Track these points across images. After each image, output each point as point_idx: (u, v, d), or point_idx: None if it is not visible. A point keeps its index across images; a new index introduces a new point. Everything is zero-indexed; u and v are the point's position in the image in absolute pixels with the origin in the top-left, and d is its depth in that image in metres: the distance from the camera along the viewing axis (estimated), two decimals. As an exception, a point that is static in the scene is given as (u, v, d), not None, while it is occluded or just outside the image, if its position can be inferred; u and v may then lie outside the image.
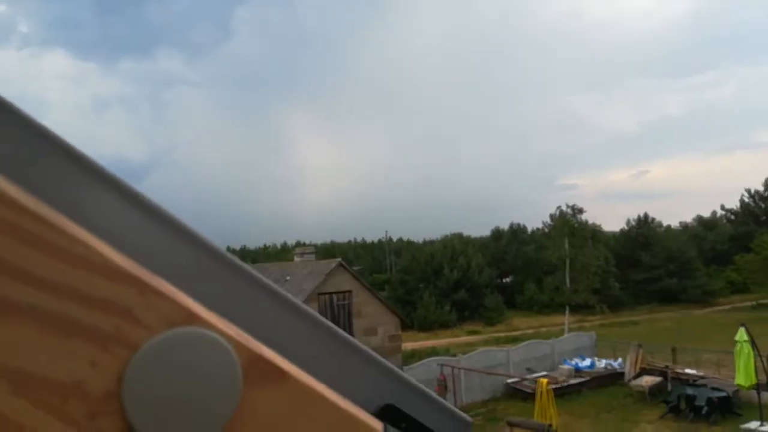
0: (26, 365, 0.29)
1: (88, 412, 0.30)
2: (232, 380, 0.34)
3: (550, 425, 11.60)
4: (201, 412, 0.33)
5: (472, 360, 18.96)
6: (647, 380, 17.59)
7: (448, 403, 0.46)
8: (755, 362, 12.59)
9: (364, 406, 0.40)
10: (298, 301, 0.40)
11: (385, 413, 0.41)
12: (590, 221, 32.31)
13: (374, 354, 0.42)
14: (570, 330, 26.70)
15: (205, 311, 0.34)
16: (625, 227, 52.27)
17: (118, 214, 0.34)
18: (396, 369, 0.43)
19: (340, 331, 0.42)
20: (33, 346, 0.29)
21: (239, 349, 0.34)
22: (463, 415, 0.46)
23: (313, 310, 0.41)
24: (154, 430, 0.31)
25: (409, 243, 64.76)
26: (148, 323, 0.32)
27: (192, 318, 0.33)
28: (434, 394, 0.45)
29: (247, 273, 0.38)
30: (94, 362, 0.30)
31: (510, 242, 53.83)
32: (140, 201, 0.35)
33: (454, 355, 20.14)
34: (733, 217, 56.57)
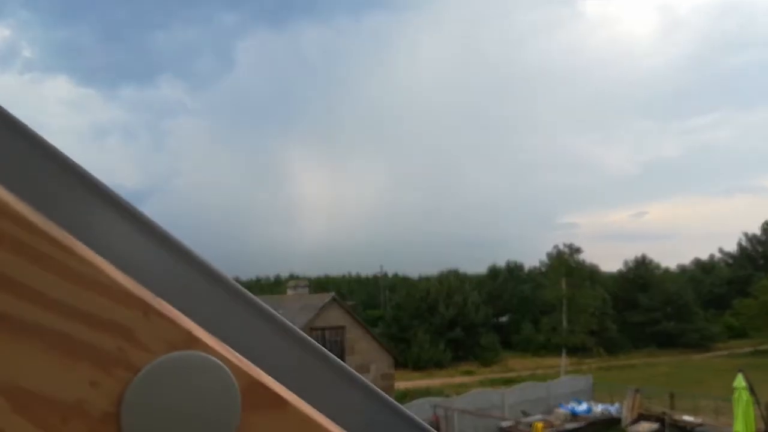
0: (27, 383, 0.29)
1: None
2: (231, 405, 0.33)
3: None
4: None
5: (466, 401, 18.58)
6: (645, 426, 17.29)
7: None
8: (754, 410, 12.33)
9: None
10: (298, 329, 0.41)
11: None
12: (588, 261, 32.23)
13: (374, 387, 0.43)
14: (566, 372, 26.31)
15: (206, 335, 0.34)
16: (623, 268, 52.12)
17: (124, 235, 0.35)
18: (397, 404, 0.42)
19: (340, 361, 0.42)
20: (35, 365, 0.29)
21: (239, 374, 0.34)
22: None
23: (310, 338, 0.41)
24: None
25: (405, 278, 64.40)
26: (150, 345, 0.32)
27: (193, 341, 0.33)
28: (431, 428, 0.44)
29: (249, 299, 0.38)
30: (95, 383, 0.30)
31: (507, 280, 53.60)
32: (146, 223, 0.36)
33: (448, 396, 19.73)
34: (731, 261, 56.52)
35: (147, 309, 0.32)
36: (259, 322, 0.39)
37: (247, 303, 0.38)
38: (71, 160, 0.33)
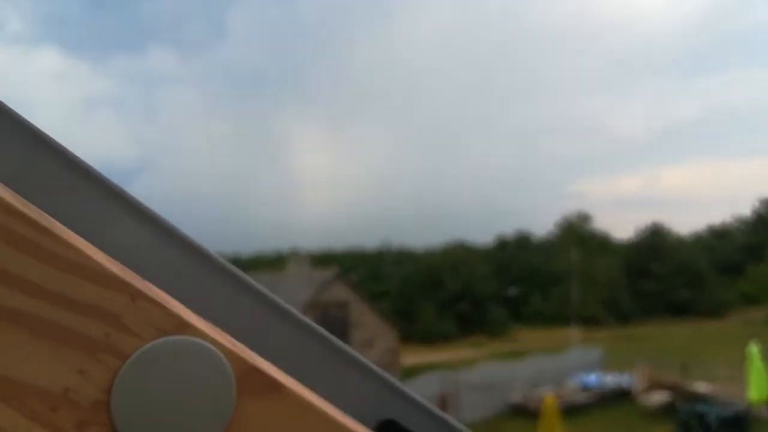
0: (12, 372, 0.28)
1: (77, 421, 0.30)
2: (226, 391, 0.32)
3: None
4: (193, 423, 0.32)
5: (474, 375, 18.47)
6: (656, 397, 17.24)
7: (453, 419, 0.43)
8: (768, 378, 12.08)
9: (363, 421, 0.38)
10: (294, 310, 0.39)
11: (386, 429, 0.40)
12: (599, 229, 31.62)
13: (374, 366, 0.40)
14: (577, 344, 26.00)
15: (198, 319, 0.33)
16: (635, 236, 51.56)
17: (110, 218, 0.34)
18: (397, 382, 0.41)
19: (338, 341, 0.40)
20: (20, 353, 0.28)
21: (233, 359, 0.33)
22: (467, 430, 0.43)
23: (310, 320, 0.39)
24: None
25: (410, 252, 64.26)
26: (139, 331, 0.31)
27: (184, 326, 0.32)
28: (437, 410, 0.43)
29: (242, 280, 0.37)
30: (83, 370, 0.30)
31: (515, 251, 53.20)
32: (132, 205, 0.34)
33: (456, 370, 19.52)
34: (745, 226, 55.71)
35: (135, 294, 0.31)
36: (254, 304, 0.37)
37: (240, 285, 0.37)
38: (53, 138, 0.32)
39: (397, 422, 0.40)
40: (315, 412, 0.35)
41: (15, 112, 0.31)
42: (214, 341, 0.32)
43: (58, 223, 0.30)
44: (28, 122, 0.31)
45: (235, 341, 0.34)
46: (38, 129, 0.32)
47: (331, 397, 0.37)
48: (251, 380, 0.33)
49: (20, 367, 0.28)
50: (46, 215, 0.30)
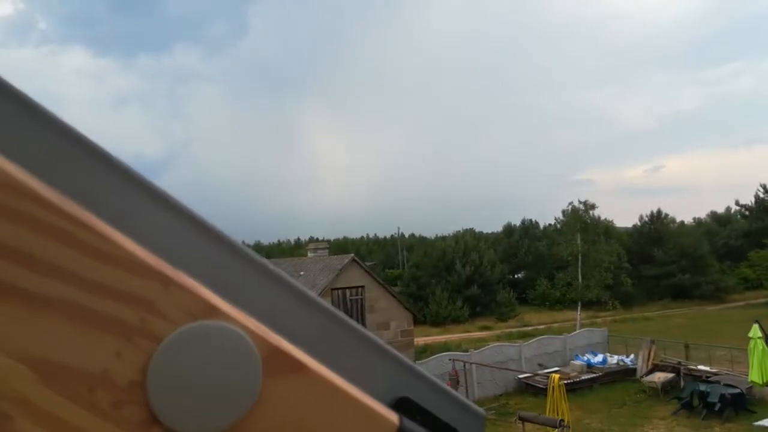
0: (53, 356, 0.30)
1: (114, 401, 0.31)
2: (253, 372, 0.34)
3: (562, 420, 11.69)
4: (222, 402, 0.33)
5: (483, 355, 19.07)
6: (660, 376, 17.63)
7: (463, 397, 0.47)
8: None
9: (379, 399, 0.40)
10: (314, 294, 0.41)
11: (401, 406, 0.41)
12: (603, 217, 32.13)
13: (389, 347, 0.43)
14: (582, 326, 26.69)
15: (225, 304, 0.35)
16: (638, 223, 52.04)
17: (141, 209, 0.35)
18: (411, 362, 0.44)
19: (356, 324, 0.42)
20: (60, 338, 0.30)
21: (259, 341, 0.35)
22: (478, 408, 0.46)
23: (328, 304, 0.41)
24: (176, 419, 0.32)
25: (422, 239, 64.87)
26: (171, 316, 0.33)
27: (213, 311, 0.34)
28: (449, 388, 0.46)
29: (265, 267, 0.39)
30: (120, 353, 0.31)
31: (522, 238, 53.74)
32: (161, 197, 0.36)
33: (466, 350, 20.24)
34: (747, 212, 56.06)
35: (166, 281, 0.33)
36: (277, 289, 0.39)
37: (264, 271, 0.38)
38: (84, 135, 0.34)
39: (412, 399, 0.42)
40: (336, 390, 0.37)
41: (43, 106, 0.32)
42: (241, 325, 0.34)
43: (93, 216, 0.31)
44: (57, 116, 0.32)
45: (260, 324, 0.35)
46: (67, 123, 0.33)
47: (350, 377, 0.38)
48: (276, 361, 0.35)
49: (61, 351, 0.30)
50: (80, 207, 0.31)
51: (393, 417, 0.39)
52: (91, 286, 0.31)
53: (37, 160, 0.32)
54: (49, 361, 0.30)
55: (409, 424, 0.40)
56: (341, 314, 0.41)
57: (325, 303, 0.41)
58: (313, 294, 0.41)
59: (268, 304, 0.38)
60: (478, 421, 0.46)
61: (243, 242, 0.38)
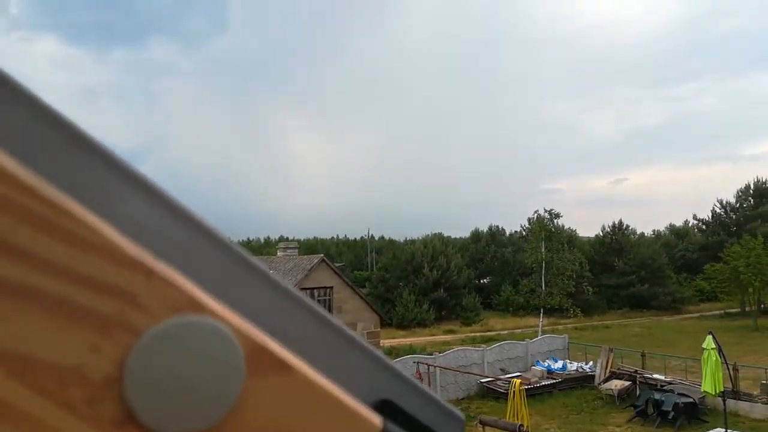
0: (24, 348, 0.28)
1: (88, 397, 0.30)
2: (236, 369, 0.33)
3: (522, 425, 11.91)
4: (203, 400, 0.32)
5: (447, 359, 19.31)
6: (617, 384, 18.06)
7: (443, 400, 0.47)
8: (722, 370, 13.01)
9: (362, 400, 0.39)
10: (300, 293, 0.40)
11: (383, 408, 0.41)
12: (568, 226, 33.11)
13: (372, 348, 0.42)
14: (544, 332, 27.25)
15: (209, 299, 0.33)
16: (600, 233, 53.29)
17: (124, 197, 0.33)
18: (393, 364, 0.43)
19: (340, 324, 0.41)
20: (31, 329, 0.28)
21: (243, 338, 0.34)
22: (458, 412, 0.47)
23: (314, 303, 0.40)
24: (154, 418, 0.31)
25: (391, 241, 65.08)
26: (153, 309, 0.31)
27: (197, 306, 0.32)
28: (429, 391, 0.46)
29: (252, 264, 0.37)
30: (96, 347, 0.30)
31: (489, 244, 54.46)
32: (146, 185, 0.34)
33: (431, 354, 20.46)
34: (704, 227, 57.93)
35: (149, 272, 0.31)
36: (263, 286, 0.38)
37: (250, 268, 0.37)
38: (67, 118, 0.32)
39: (393, 402, 0.41)
40: (321, 391, 0.36)
41: (27, 89, 0.30)
42: (225, 321, 0.33)
43: (72, 201, 0.29)
44: (41, 99, 0.31)
45: (245, 321, 0.34)
46: (50, 106, 0.31)
47: (334, 377, 0.37)
48: (260, 359, 0.34)
49: (31, 344, 0.28)
50: (60, 192, 0.29)
51: (376, 420, 0.38)
52: (67, 274, 0.29)
53: (14, 140, 0.30)
54: (19, 353, 0.28)
55: (391, 427, 0.40)
56: (325, 312, 0.40)
57: (310, 301, 0.40)
58: (299, 292, 0.40)
59: (253, 301, 0.37)
60: (457, 424, 0.46)
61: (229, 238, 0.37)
